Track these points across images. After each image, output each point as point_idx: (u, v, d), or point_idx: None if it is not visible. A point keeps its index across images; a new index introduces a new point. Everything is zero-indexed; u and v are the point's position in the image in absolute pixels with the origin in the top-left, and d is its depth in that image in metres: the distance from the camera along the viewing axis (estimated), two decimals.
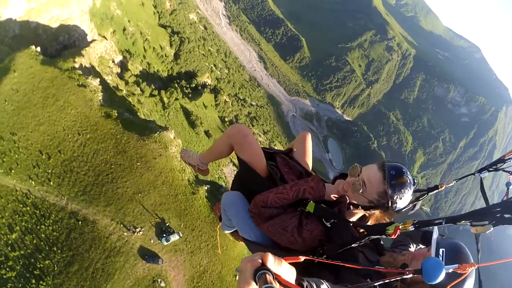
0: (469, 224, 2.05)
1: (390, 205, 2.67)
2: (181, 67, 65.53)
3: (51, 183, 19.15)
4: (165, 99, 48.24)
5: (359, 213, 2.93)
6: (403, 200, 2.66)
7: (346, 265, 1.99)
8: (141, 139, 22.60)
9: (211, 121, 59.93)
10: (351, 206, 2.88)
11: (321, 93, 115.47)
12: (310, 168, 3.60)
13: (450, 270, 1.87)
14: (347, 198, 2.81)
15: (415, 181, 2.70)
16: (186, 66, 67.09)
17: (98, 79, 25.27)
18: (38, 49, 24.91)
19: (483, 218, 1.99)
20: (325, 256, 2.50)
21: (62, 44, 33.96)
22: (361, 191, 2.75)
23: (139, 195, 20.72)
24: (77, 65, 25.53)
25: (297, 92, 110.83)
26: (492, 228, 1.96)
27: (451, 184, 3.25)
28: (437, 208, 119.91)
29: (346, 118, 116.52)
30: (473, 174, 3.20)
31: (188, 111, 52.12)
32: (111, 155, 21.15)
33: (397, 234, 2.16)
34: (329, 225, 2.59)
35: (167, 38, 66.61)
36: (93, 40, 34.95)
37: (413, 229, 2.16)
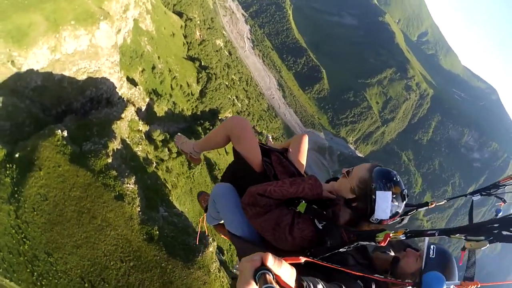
0: (463, 238, 1.98)
1: (370, 199, 2.57)
2: (205, 106, 65.91)
3: None
4: None
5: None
6: (384, 200, 2.53)
7: (352, 272, 2.03)
8: (185, 267, 21.63)
9: None
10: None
11: (336, 127, 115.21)
12: (303, 171, 3.53)
13: (452, 286, 1.84)
14: (342, 201, 2.73)
15: (406, 192, 2.59)
16: (211, 104, 67.60)
17: (133, 178, 24.19)
18: (65, 133, 23.07)
19: (479, 233, 1.92)
20: (316, 258, 2.35)
21: (88, 97, 32.28)
22: (346, 171, 2.79)
23: None
24: (110, 159, 23.75)
25: (313, 124, 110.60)
26: (488, 245, 1.91)
27: (441, 203, 3.21)
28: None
29: (358, 155, 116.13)
30: (465, 195, 3.15)
31: (211, 162, 52.27)
32: (157, 286, 20.07)
33: (386, 242, 2.05)
34: (321, 227, 2.52)
35: (194, 75, 67.06)
36: (125, 108, 33.21)
37: (404, 238, 2.06)
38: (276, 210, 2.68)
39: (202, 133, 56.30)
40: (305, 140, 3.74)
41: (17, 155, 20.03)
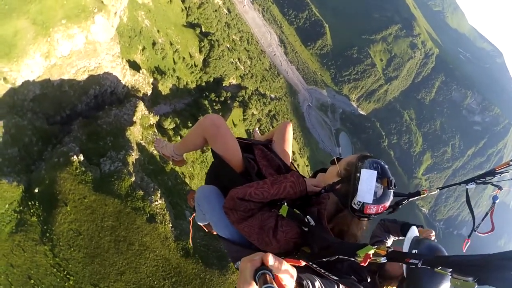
0: (449, 274, 1.77)
1: (354, 178, 2.47)
2: (209, 76, 63.86)
3: None
4: None
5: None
6: (369, 179, 2.42)
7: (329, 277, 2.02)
8: (221, 274, 22.77)
9: None
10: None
11: (338, 84, 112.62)
12: (290, 162, 3.49)
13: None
14: (329, 196, 2.66)
15: (393, 181, 2.46)
16: (215, 73, 65.50)
17: (159, 192, 24.00)
18: (81, 157, 21.82)
19: (468, 272, 1.70)
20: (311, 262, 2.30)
21: (92, 96, 30.54)
22: (336, 158, 2.73)
23: None
24: (133, 178, 23.22)
25: (315, 81, 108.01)
26: (476, 287, 1.68)
27: (434, 193, 3.12)
28: (435, 211, 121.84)
29: (361, 112, 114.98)
30: (459, 184, 3.05)
31: None
32: None
33: (367, 263, 1.90)
34: (306, 229, 2.42)
35: (196, 44, 64.34)
36: (135, 107, 31.42)
37: (385, 261, 1.91)
38: (258, 214, 2.60)
39: (209, 107, 54.94)
40: (289, 129, 3.68)
41: (36, 190, 19.18)
